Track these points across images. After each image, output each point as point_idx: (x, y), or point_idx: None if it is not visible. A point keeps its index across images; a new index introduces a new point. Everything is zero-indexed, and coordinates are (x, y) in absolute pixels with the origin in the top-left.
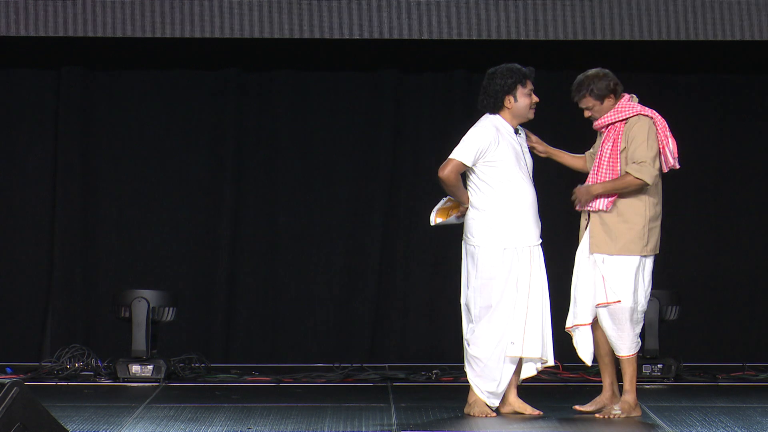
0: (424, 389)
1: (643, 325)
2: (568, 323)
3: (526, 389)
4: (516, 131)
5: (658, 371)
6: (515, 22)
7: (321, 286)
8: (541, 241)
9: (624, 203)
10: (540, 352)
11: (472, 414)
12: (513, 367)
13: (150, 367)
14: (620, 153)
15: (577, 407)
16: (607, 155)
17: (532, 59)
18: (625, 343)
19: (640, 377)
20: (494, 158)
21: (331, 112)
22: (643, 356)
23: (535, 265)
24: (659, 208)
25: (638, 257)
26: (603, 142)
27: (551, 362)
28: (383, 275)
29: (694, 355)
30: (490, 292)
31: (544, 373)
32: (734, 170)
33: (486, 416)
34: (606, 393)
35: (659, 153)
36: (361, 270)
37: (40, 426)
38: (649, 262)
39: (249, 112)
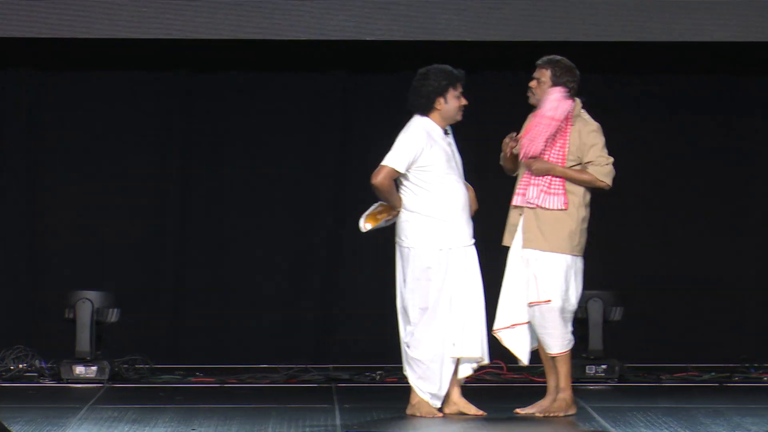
0: (368, 390)
1: (588, 325)
2: (504, 323)
3: (470, 390)
4: (445, 132)
5: (602, 372)
6: (462, 23)
7: (267, 287)
8: (474, 241)
9: (558, 212)
10: (479, 352)
11: (418, 415)
12: (452, 368)
13: (94, 368)
14: (568, 154)
15: (518, 410)
16: (557, 154)
17: (478, 60)
18: (557, 341)
19: (584, 378)
20: (426, 162)
21: (278, 113)
22: (587, 357)
23: (469, 265)
24: (588, 211)
25: (569, 256)
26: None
27: (487, 361)
28: (329, 276)
29: (637, 356)
30: (427, 294)
31: (488, 374)
32: (678, 171)
33: (433, 416)
34: (550, 396)
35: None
36: (307, 270)
37: None
38: (579, 262)
39: (196, 112)
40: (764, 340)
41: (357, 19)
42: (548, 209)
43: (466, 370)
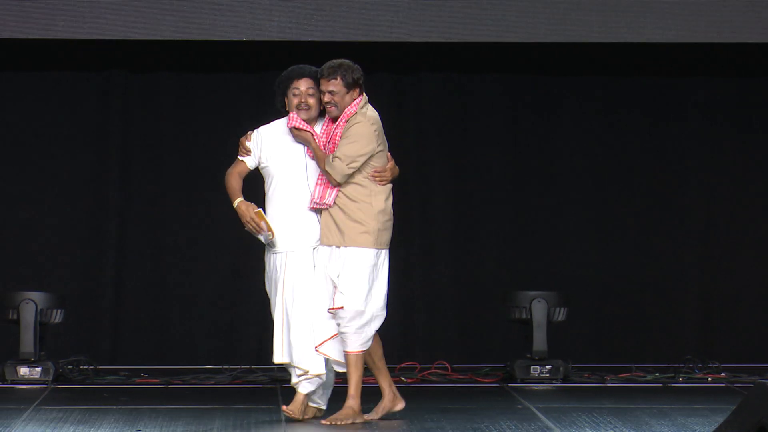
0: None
1: (532, 326)
2: (324, 336)
3: (416, 390)
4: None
5: (546, 372)
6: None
7: (209, 288)
8: (315, 246)
9: (351, 205)
10: (291, 358)
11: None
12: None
13: (38, 369)
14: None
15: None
16: (332, 146)
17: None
18: (352, 339)
19: (529, 378)
20: (264, 162)
21: (215, 114)
22: (531, 357)
23: (301, 270)
24: (389, 205)
25: (373, 251)
26: (334, 135)
27: (317, 371)
28: None
29: (582, 357)
30: (270, 297)
31: (432, 374)
32: (619, 172)
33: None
34: (387, 396)
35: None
36: (249, 271)
37: None
38: (384, 255)
39: (134, 113)
40: (707, 340)
41: (297, 20)
42: (331, 204)
43: (294, 377)
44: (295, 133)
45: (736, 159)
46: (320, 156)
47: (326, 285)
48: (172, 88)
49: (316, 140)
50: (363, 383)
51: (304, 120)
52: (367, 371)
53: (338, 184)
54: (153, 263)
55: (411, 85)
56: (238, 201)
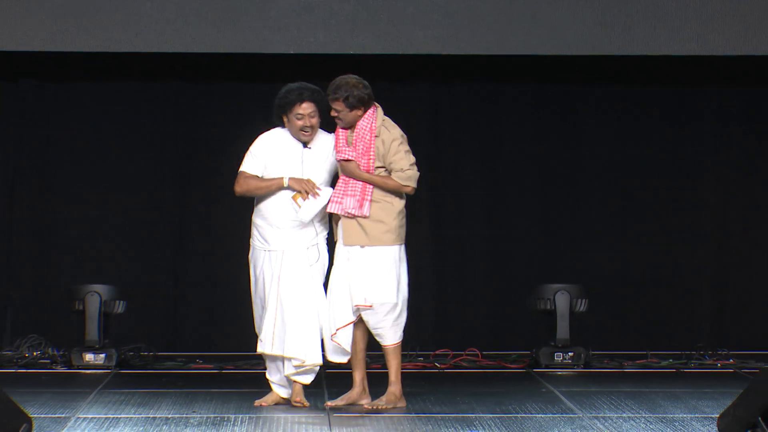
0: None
1: (555, 316)
2: (338, 324)
3: (447, 374)
4: (304, 145)
5: (569, 359)
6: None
7: None
8: (308, 246)
9: (373, 206)
10: (283, 350)
11: (264, 405)
12: (277, 362)
13: (102, 355)
14: (375, 162)
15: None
16: (365, 164)
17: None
18: (389, 333)
19: (553, 364)
20: (267, 167)
21: (264, 120)
22: (555, 345)
23: (297, 267)
24: (404, 204)
25: (396, 247)
26: (368, 148)
27: (314, 361)
28: None
29: (602, 344)
30: (255, 291)
31: (465, 360)
32: (638, 174)
33: (276, 403)
34: (357, 389)
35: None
36: None
37: (2, 410)
38: (403, 249)
39: (190, 120)
40: (717, 329)
41: (334, 33)
42: (364, 216)
43: (289, 369)
44: (343, 165)
45: (747, 161)
46: (377, 180)
47: (344, 282)
48: (224, 96)
49: (360, 166)
50: (369, 369)
51: (307, 140)
52: (375, 360)
53: (414, 190)
54: (208, 258)
55: (447, 94)
56: (288, 177)
